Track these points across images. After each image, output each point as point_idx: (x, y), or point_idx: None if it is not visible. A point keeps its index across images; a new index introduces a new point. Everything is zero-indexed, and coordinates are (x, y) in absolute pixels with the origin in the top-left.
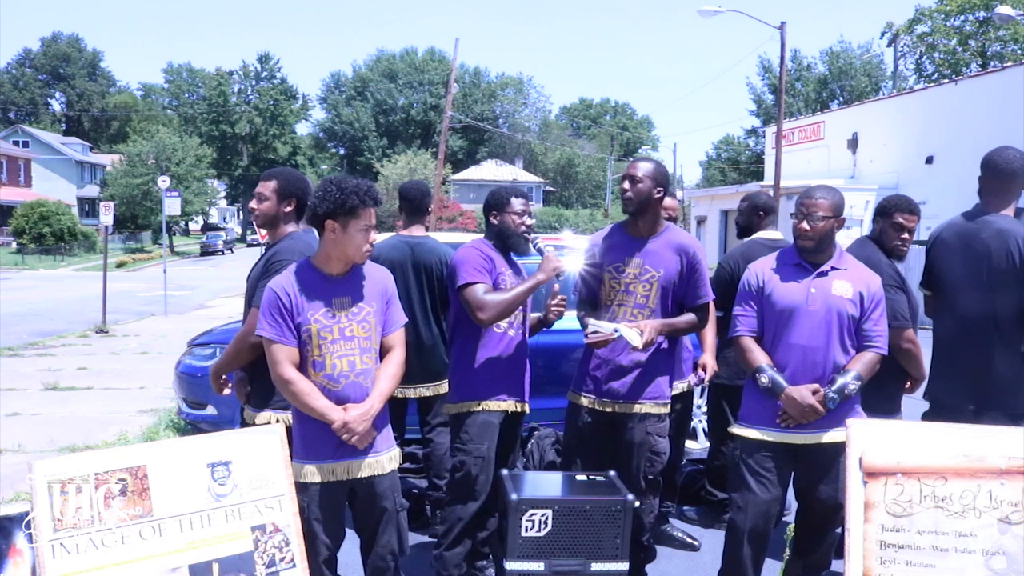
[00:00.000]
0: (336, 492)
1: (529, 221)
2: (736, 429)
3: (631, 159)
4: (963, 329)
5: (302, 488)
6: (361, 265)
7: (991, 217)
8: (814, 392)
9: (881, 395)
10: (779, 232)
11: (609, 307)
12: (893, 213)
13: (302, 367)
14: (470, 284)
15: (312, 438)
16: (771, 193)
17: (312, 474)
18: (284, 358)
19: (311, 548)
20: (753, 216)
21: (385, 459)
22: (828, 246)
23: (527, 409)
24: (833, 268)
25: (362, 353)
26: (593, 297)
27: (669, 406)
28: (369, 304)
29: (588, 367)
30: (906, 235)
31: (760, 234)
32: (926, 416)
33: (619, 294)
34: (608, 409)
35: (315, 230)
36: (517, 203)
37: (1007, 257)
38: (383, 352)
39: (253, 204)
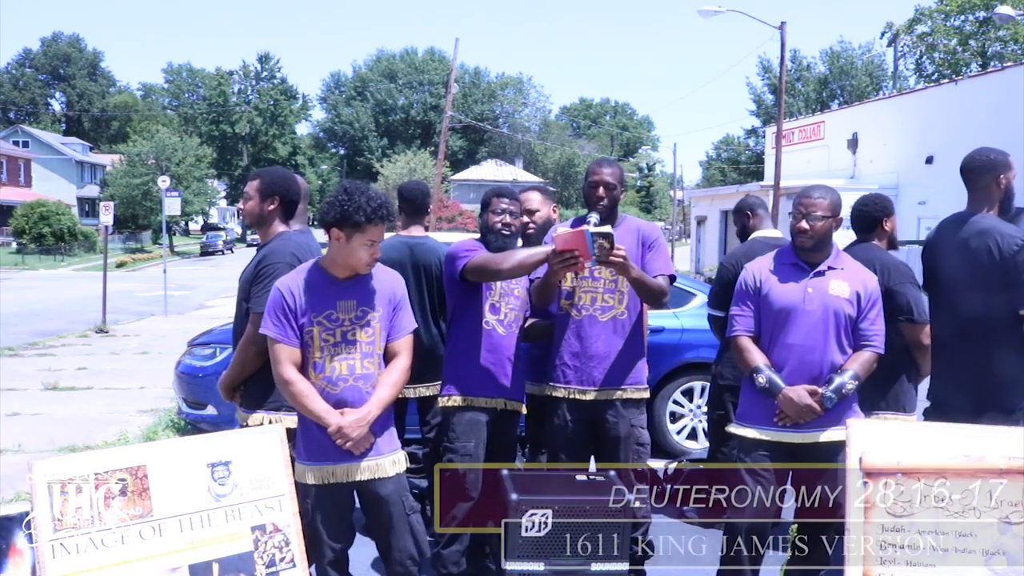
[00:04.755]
0: (338, 494)
1: (508, 219)
2: (734, 428)
3: (596, 162)
4: (954, 328)
5: (303, 489)
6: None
7: (975, 217)
8: (811, 392)
9: (899, 388)
10: (778, 231)
11: (572, 294)
12: (892, 213)
13: (303, 368)
14: (473, 254)
15: (312, 440)
16: (771, 193)
17: (310, 475)
18: (285, 358)
19: (316, 550)
20: (743, 219)
21: (387, 462)
22: (826, 246)
23: (522, 408)
24: (830, 268)
25: (363, 358)
26: (546, 286)
27: (648, 392)
28: (375, 309)
29: (563, 357)
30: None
31: (759, 233)
32: (927, 413)
33: (584, 279)
34: (588, 397)
35: (310, 230)
36: (497, 202)
37: (988, 255)
38: (388, 358)
39: (240, 204)
